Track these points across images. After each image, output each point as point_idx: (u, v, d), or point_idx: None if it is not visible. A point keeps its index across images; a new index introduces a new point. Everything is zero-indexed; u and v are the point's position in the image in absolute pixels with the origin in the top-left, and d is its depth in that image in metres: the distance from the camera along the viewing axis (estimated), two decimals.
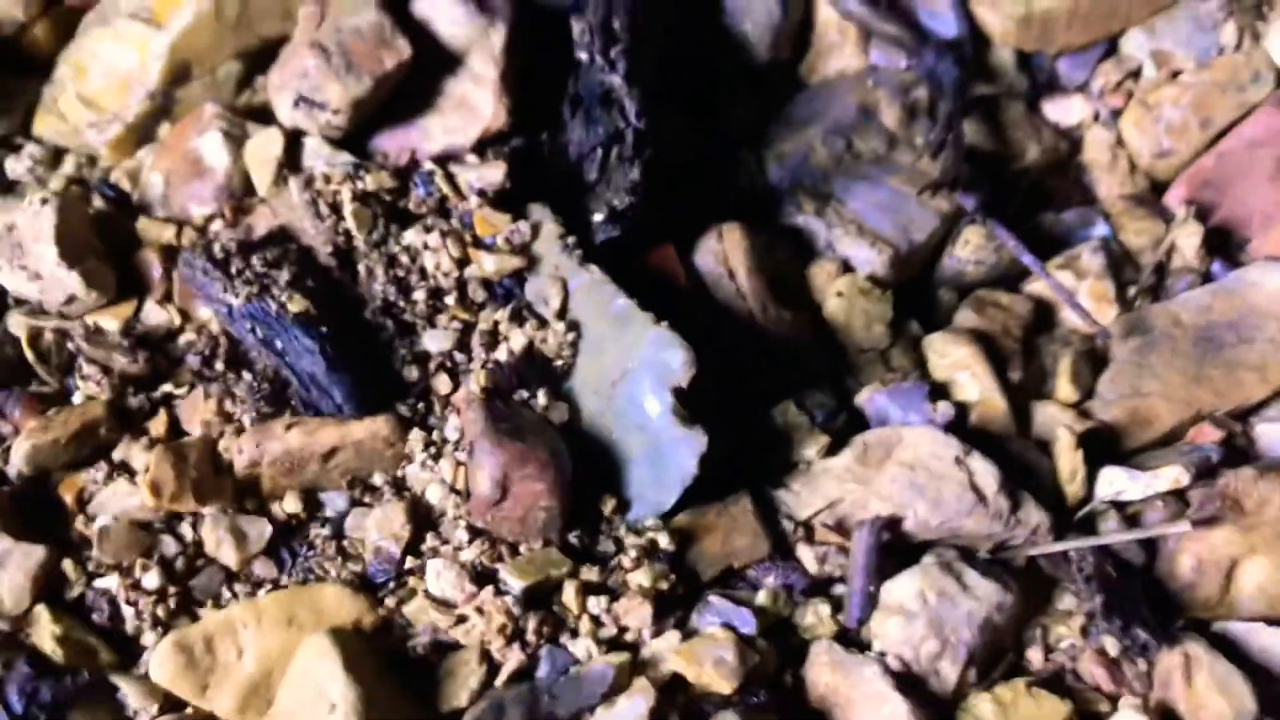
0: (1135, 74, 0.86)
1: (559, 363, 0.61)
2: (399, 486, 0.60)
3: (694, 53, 0.78)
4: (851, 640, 0.61)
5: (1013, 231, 0.77)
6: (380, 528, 0.58)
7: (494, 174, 0.63)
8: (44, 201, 0.60)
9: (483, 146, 0.66)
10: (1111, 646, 0.64)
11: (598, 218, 0.64)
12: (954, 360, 0.73)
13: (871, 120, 0.80)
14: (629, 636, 0.57)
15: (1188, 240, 0.82)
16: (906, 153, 0.79)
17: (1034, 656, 0.63)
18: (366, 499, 0.60)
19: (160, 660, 0.53)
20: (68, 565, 0.56)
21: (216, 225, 0.64)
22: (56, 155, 0.70)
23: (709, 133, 0.77)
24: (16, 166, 0.69)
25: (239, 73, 0.69)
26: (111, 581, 0.56)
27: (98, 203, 0.66)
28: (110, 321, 0.62)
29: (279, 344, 0.58)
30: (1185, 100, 0.84)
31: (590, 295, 0.61)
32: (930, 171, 0.77)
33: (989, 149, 0.83)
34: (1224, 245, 0.82)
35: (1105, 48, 0.87)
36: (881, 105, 0.80)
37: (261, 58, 0.70)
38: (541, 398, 0.60)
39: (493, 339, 0.62)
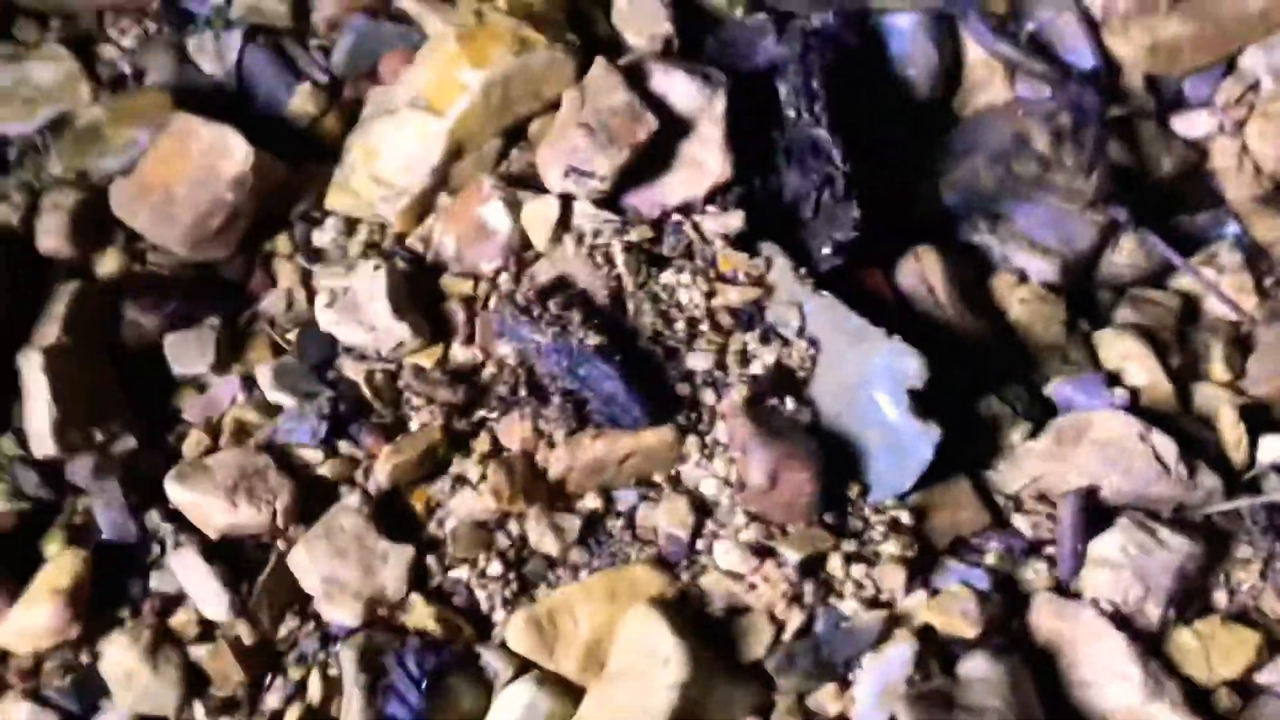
0: (1254, 87, 0.96)
1: (801, 374, 0.73)
2: (675, 483, 0.72)
3: (868, 97, 0.90)
4: (1066, 591, 0.72)
5: (1158, 234, 0.88)
6: (669, 517, 0.70)
7: (734, 221, 0.76)
8: (376, 268, 0.74)
9: (712, 196, 0.79)
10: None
11: (825, 250, 0.76)
12: (1122, 351, 0.84)
13: (1025, 146, 0.91)
14: (884, 596, 0.69)
15: None
16: (1059, 173, 0.89)
17: (1220, 598, 0.74)
18: (651, 494, 0.72)
19: (515, 632, 0.66)
20: (430, 560, 0.69)
21: (503, 278, 0.77)
22: (350, 225, 0.83)
23: (886, 166, 0.89)
24: (322, 237, 0.82)
25: (499, 147, 0.82)
26: (463, 572, 0.68)
27: (400, 264, 0.79)
28: (426, 361, 0.75)
29: (582, 371, 0.70)
30: None
31: (825, 316, 0.73)
32: (1084, 189, 0.87)
33: (1128, 163, 0.93)
34: None
35: (1225, 66, 0.97)
36: (1033, 132, 0.91)
37: (515, 133, 0.83)
38: (790, 404, 0.72)
39: (744, 357, 0.74)
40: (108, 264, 0.80)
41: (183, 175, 0.77)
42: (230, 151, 0.77)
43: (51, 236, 0.78)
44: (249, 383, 0.75)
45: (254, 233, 0.81)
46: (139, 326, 0.76)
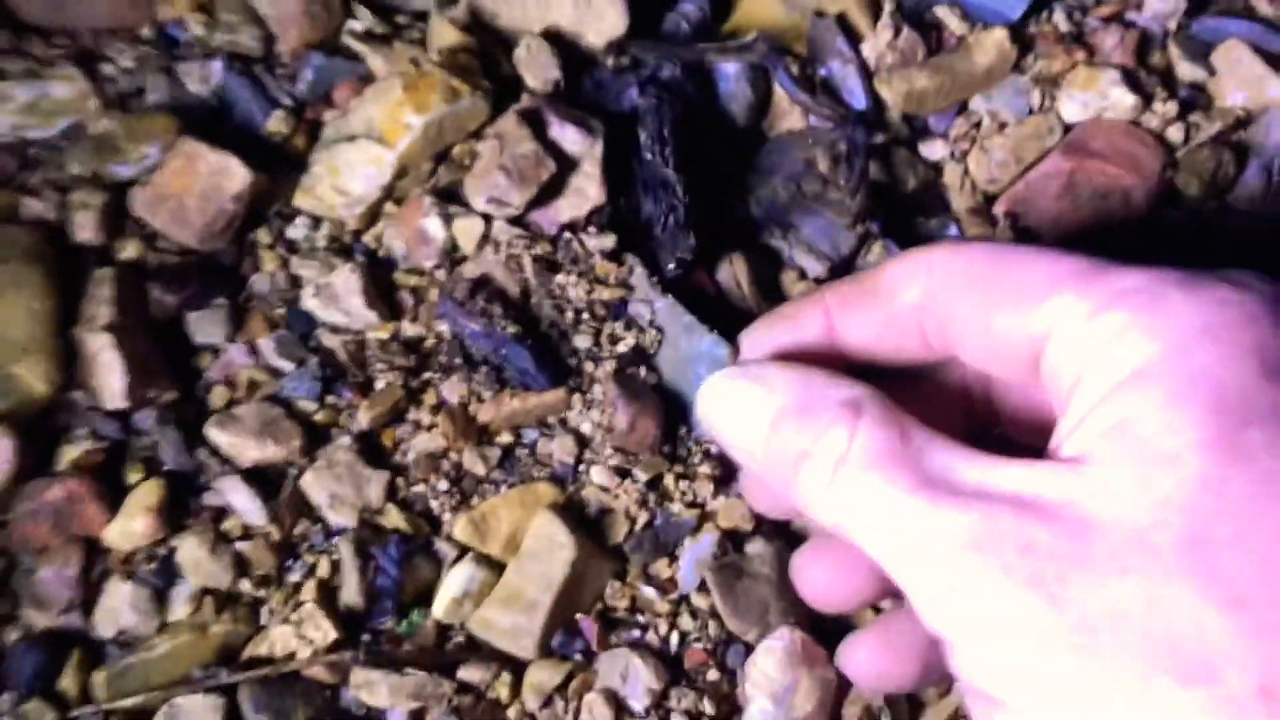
0: (978, 125, 1.32)
1: (651, 351, 1.06)
2: (564, 425, 1.04)
3: (701, 129, 1.21)
4: None
5: (897, 243, 1.23)
6: (560, 448, 1.03)
7: (608, 241, 1.06)
8: (352, 270, 1.01)
9: (591, 216, 1.09)
10: None
11: (670, 265, 1.07)
12: None
13: (812, 169, 1.24)
14: (699, 501, 1.04)
15: (1005, 238, 1.29)
16: (834, 191, 1.24)
17: None
18: (547, 432, 1.04)
19: (459, 528, 0.97)
20: (399, 481, 1.00)
21: (440, 273, 1.06)
22: (316, 222, 1.09)
23: (713, 185, 1.21)
24: (294, 231, 1.08)
25: (430, 167, 1.09)
26: (421, 488, 0.99)
27: (358, 258, 1.06)
28: (384, 335, 1.04)
29: (503, 351, 1.01)
30: (1007, 145, 1.31)
31: (668, 311, 1.06)
32: (851, 206, 1.22)
33: (884, 181, 1.28)
34: (1028, 242, 1.30)
35: (959, 108, 1.32)
36: (818, 158, 1.24)
37: (441, 156, 1.10)
38: (643, 372, 1.05)
39: (613, 339, 1.05)
40: (128, 251, 1.03)
41: (193, 188, 1.01)
42: (232, 174, 1.01)
43: (86, 230, 1.01)
44: (253, 349, 1.02)
45: (242, 227, 1.06)
46: (163, 304, 1.01)
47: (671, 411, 1.04)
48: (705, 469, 1.04)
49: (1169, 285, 0.42)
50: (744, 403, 0.51)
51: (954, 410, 0.59)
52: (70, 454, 0.92)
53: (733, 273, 1.15)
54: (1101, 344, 0.42)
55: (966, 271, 0.51)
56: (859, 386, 0.49)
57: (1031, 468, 0.43)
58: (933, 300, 0.51)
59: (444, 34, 1.11)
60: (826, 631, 0.99)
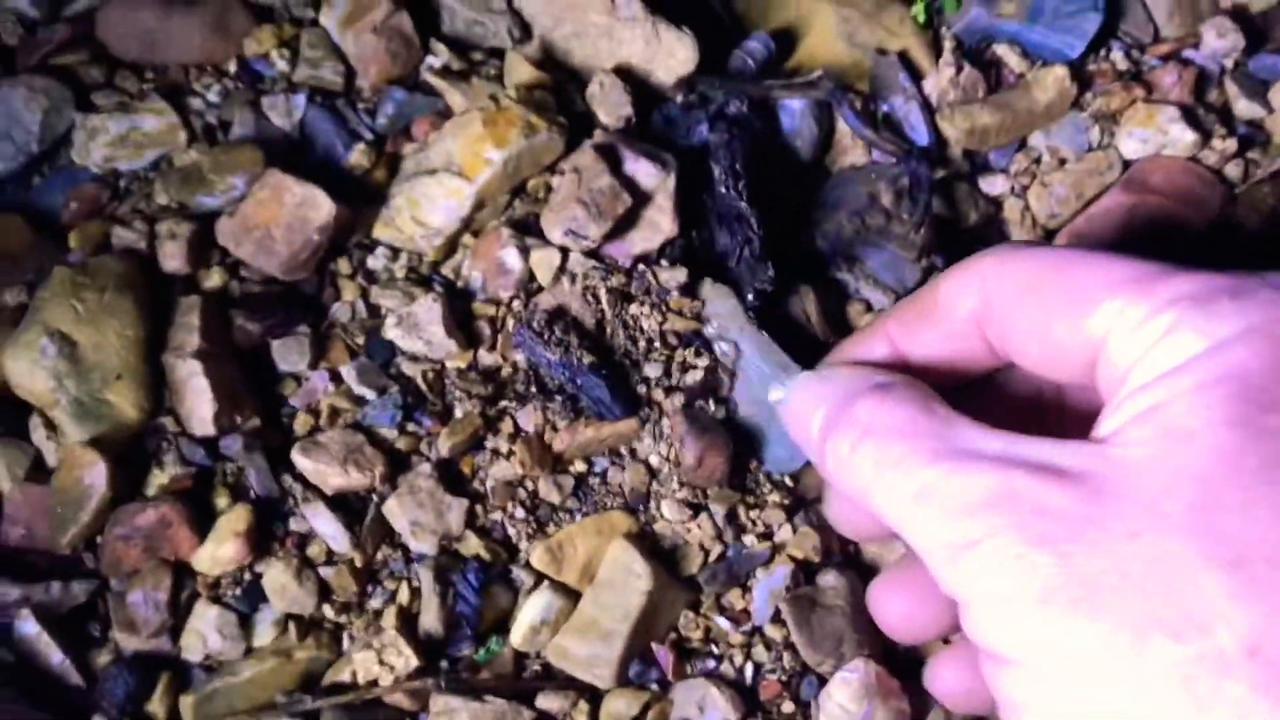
0: (1038, 161, 1.33)
1: (724, 385, 1.08)
2: (634, 455, 1.06)
3: (768, 162, 1.23)
4: None
5: None
6: (631, 478, 1.04)
7: (680, 275, 1.08)
8: (434, 300, 1.03)
9: (664, 248, 1.11)
10: None
11: (750, 297, 1.09)
12: None
13: (876, 203, 1.26)
14: (771, 533, 1.05)
15: None
16: (898, 225, 1.25)
17: None
18: (618, 462, 1.06)
19: (536, 556, 0.98)
20: (478, 508, 1.01)
21: (516, 304, 1.08)
22: (395, 253, 1.11)
23: (781, 219, 1.22)
24: (374, 262, 1.10)
25: (507, 200, 1.12)
26: (499, 515, 1.01)
27: (437, 288, 1.08)
28: (462, 364, 1.06)
29: (579, 381, 1.03)
30: (1068, 181, 1.32)
31: (747, 342, 1.08)
32: (916, 241, 1.23)
33: (947, 215, 1.30)
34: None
35: (1019, 144, 1.34)
36: (881, 192, 1.26)
37: (519, 190, 1.12)
38: (711, 405, 1.07)
39: (684, 368, 1.07)
40: (212, 279, 1.06)
41: (279, 219, 1.03)
42: (318, 205, 1.03)
43: (174, 259, 1.03)
44: (335, 376, 1.04)
45: (324, 258, 1.08)
46: (247, 332, 1.03)
47: (741, 444, 1.06)
48: (775, 498, 1.05)
49: (1219, 290, 0.43)
50: (808, 398, 0.55)
51: (1028, 416, 0.60)
52: (160, 479, 0.94)
53: (801, 305, 1.16)
54: (1149, 344, 0.43)
55: (1019, 279, 0.52)
56: (898, 376, 0.53)
57: (1056, 443, 0.45)
58: (989, 308, 0.53)
59: (520, 70, 1.13)
60: (900, 664, 1.00)
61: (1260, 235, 1.29)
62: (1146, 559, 0.37)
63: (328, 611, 0.95)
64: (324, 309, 1.07)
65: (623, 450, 1.05)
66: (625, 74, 1.18)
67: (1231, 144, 1.31)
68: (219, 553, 0.92)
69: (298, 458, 0.98)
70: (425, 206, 1.09)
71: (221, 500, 0.95)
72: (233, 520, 0.93)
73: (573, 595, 0.99)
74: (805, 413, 0.55)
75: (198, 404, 0.96)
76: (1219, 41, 1.37)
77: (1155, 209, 1.29)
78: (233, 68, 1.13)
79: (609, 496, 1.04)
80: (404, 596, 0.97)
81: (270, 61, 1.13)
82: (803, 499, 1.07)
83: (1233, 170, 1.31)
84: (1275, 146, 1.33)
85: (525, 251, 1.07)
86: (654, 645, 0.99)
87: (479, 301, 1.08)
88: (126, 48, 1.12)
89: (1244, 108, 1.34)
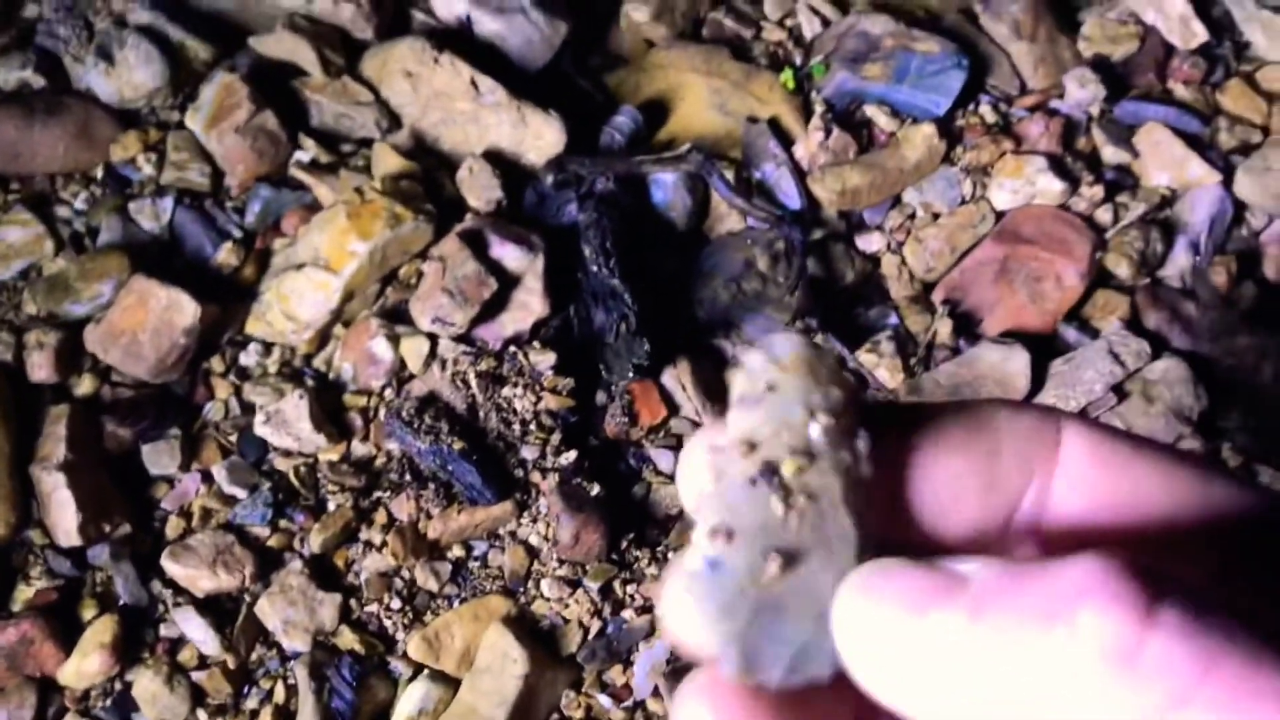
0: (912, 216, 1.36)
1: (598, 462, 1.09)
2: (514, 537, 1.07)
3: (639, 236, 1.25)
4: None
5: (838, 336, 1.27)
6: (510, 560, 1.05)
7: (549, 357, 1.10)
8: (301, 397, 1.04)
9: (536, 328, 1.13)
10: None
11: (629, 373, 1.11)
12: None
13: (752, 268, 1.28)
14: (650, 606, 1.06)
15: (944, 326, 1.33)
16: (774, 289, 1.27)
17: None
18: (497, 545, 1.06)
19: (413, 646, 0.99)
20: (352, 602, 1.01)
21: (388, 393, 1.09)
22: (267, 348, 1.12)
23: (656, 290, 1.24)
24: (247, 358, 1.11)
25: (377, 289, 1.13)
26: (374, 608, 1.01)
27: (309, 381, 1.09)
28: (334, 456, 1.07)
29: (450, 467, 1.04)
30: (942, 235, 1.35)
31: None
32: (791, 304, 1.26)
33: (823, 276, 1.32)
34: (967, 328, 1.34)
35: (892, 201, 1.37)
36: (757, 257, 1.29)
37: (388, 278, 1.14)
38: (585, 482, 1.08)
39: (558, 450, 1.08)
40: (83, 386, 1.06)
41: (145, 324, 1.04)
42: (183, 308, 1.04)
43: (42, 369, 1.04)
44: (206, 476, 1.05)
45: (195, 358, 1.09)
46: (118, 437, 1.04)
47: (619, 520, 1.07)
48: (653, 571, 1.06)
49: None
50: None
51: None
52: (25, 594, 0.94)
53: (677, 375, 1.18)
54: None
55: None
56: None
57: None
58: None
59: (386, 160, 1.15)
60: None
61: (1132, 276, 1.32)
62: None
63: (202, 716, 0.95)
64: (196, 409, 1.08)
65: (501, 532, 1.05)
66: (495, 157, 1.20)
67: (1099, 190, 1.34)
68: (85, 666, 0.92)
69: (167, 563, 0.98)
70: (294, 301, 1.10)
71: (88, 611, 0.95)
72: (99, 631, 0.93)
73: (452, 683, 0.99)
74: None
75: (62, 515, 0.96)
76: (1082, 91, 1.41)
77: (1028, 258, 1.32)
78: (99, 174, 1.15)
79: (488, 580, 1.04)
80: (280, 695, 0.97)
81: (137, 166, 1.15)
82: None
83: (1103, 215, 1.34)
84: (1143, 190, 1.36)
85: (395, 340, 1.09)
86: None
87: (350, 393, 1.09)
88: None
89: (1111, 153, 1.38)
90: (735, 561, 0.24)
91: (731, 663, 0.24)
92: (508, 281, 1.10)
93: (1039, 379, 1.26)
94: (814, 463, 0.25)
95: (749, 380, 0.27)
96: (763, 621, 0.24)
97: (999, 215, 1.34)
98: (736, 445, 0.26)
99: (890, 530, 0.28)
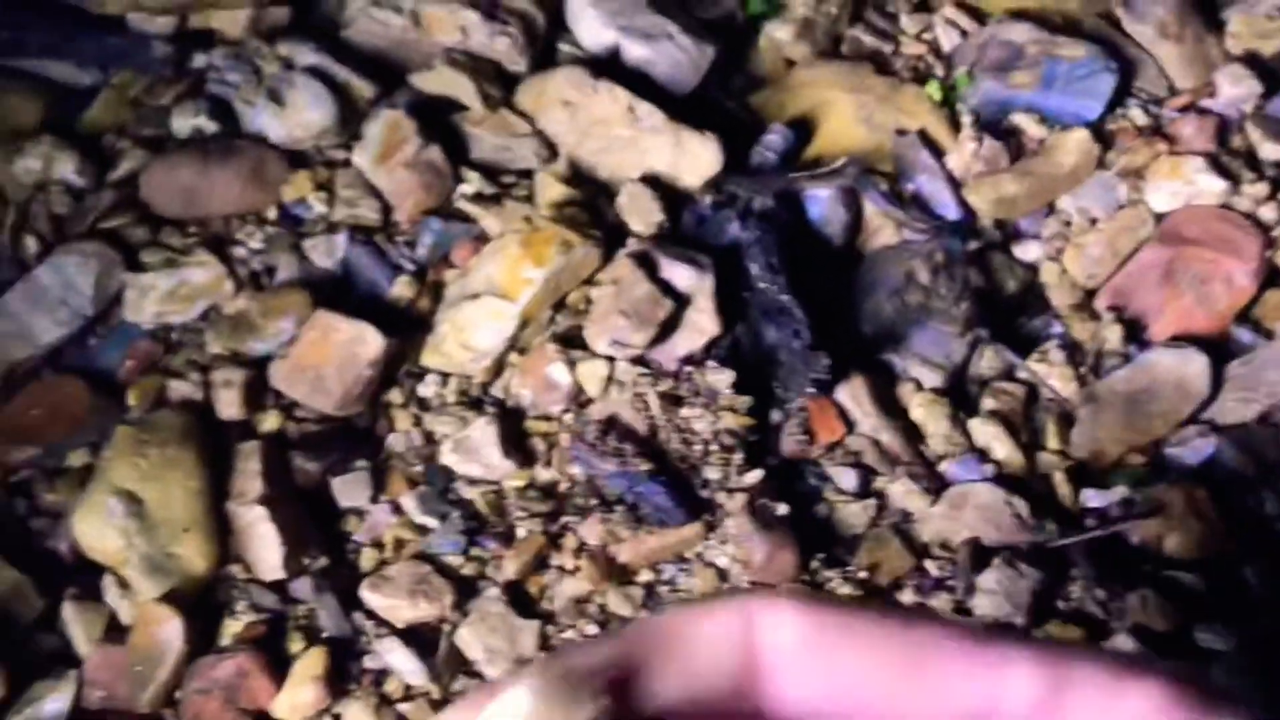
0: (1068, 224, 1.33)
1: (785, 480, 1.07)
2: (701, 559, 1.05)
3: (801, 252, 1.24)
4: (963, 610, 1.08)
5: (1009, 346, 1.24)
6: (700, 583, 1.04)
7: (726, 376, 1.09)
8: (488, 423, 1.04)
9: (708, 347, 1.12)
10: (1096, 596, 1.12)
11: (809, 389, 1.09)
12: (987, 434, 1.20)
13: (913, 281, 1.26)
14: None
15: (1112, 333, 1.30)
16: (937, 301, 1.25)
17: (1060, 606, 1.11)
18: (685, 568, 1.05)
19: None
20: (549, 628, 1.00)
21: (569, 417, 1.08)
22: (444, 378, 1.12)
23: (816, 306, 1.23)
24: (425, 389, 1.11)
25: (550, 316, 1.13)
26: (570, 634, 1.00)
27: (489, 409, 1.09)
28: (520, 482, 1.06)
29: (638, 489, 1.03)
30: (1102, 240, 1.32)
31: None
32: (957, 315, 1.23)
33: (984, 286, 1.30)
34: (1134, 334, 1.30)
35: (1048, 209, 1.34)
36: (917, 270, 1.27)
37: (560, 305, 1.14)
38: (777, 503, 1.06)
39: (741, 469, 1.07)
40: (269, 422, 1.08)
41: (330, 358, 1.05)
42: (367, 341, 1.05)
43: (230, 406, 1.05)
44: (396, 508, 1.05)
45: (376, 390, 1.10)
46: (307, 472, 1.05)
47: (810, 539, 1.05)
48: (846, 590, 1.04)
49: None
50: None
51: None
52: (234, 628, 0.95)
53: (852, 391, 1.16)
54: None
55: None
56: None
57: None
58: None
59: (550, 189, 1.16)
60: None
61: None
62: None
63: None
64: (380, 441, 1.09)
65: (689, 555, 1.04)
66: (653, 181, 1.20)
67: (1261, 188, 1.31)
68: (298, 698, 0.92)
69: (367, 594, 0.98)
70: (471, 330, 1.10)
71: (295, 644, 0.96)
72: (309, 664, 0.93)
73: None
74: None
75: (265, 550, 0.97)
76: (1234, 88, 1.37)
77: (1194, 259, 1.28)
78: (273, 214, 1.16)
79: (680, 604, 1.02)
80: None
81: (308, 205, 1.16)
82: (877, 588, 1.05)
83: (1267, 213, 1.31)
84: None
85: (572, 365, 1.08)
86: None
87: (531, 419, 1.08)
88: (169, 205, 1.16)
89: (1269, 150, 1.34)
90: None
91: None
92: (679, 302, 1.10)
93: (1216, 382, 1.22)
94: None
95: None
96: None
97: (1158, 218, 1.31)
98: None
99: None
